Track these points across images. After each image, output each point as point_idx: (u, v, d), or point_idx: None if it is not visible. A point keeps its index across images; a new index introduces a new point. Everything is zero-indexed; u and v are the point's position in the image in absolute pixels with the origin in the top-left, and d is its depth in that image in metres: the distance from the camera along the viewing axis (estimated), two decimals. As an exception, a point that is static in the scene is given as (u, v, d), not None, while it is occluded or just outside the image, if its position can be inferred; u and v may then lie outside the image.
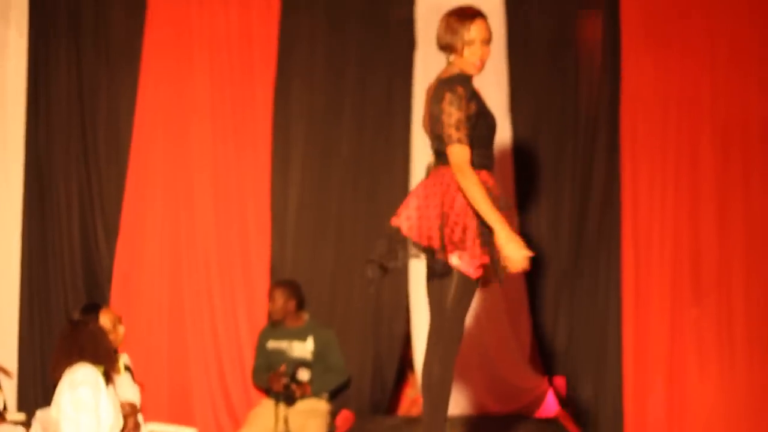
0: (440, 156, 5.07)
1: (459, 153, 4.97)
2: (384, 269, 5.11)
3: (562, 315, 7.82)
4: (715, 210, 7.63)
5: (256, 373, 7.73)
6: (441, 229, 4.98)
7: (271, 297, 7.73)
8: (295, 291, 7.74)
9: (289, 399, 7.51)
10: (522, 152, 7.87)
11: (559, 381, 7.77)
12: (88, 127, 7.99)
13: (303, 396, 7.54)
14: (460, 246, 4.97)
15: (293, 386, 7.51)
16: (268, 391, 7.64)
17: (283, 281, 7.78)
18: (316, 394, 7.59)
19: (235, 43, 8.04)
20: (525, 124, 7.89)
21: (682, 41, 7.69)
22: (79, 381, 5.63)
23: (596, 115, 7.80)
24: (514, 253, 4.92)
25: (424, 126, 5.20)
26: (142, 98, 7.97)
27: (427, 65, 7.81)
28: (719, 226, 7.63)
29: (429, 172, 5.14)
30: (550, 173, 7.90)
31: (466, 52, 5.10)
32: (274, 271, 7.96)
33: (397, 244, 5.06)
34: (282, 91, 8.06)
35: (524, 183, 7.84)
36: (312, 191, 8.06)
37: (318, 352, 7.64)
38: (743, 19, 7.69)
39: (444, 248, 4.98)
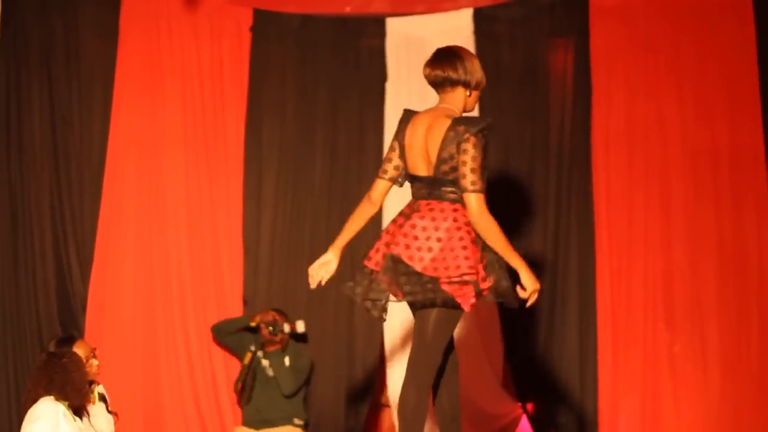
0: (437, 190, 5.11)
1: (481, 201, 5.07)
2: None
3: (537, 341, 7.87)
4: (687, 236, 7.76)
5: (223, 321, 7.80)
6: (463, 263, 5.01)
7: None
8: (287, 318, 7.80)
9: (275, 327, 7.59)
10: (494, 183, 7.90)
11: (533, 407, 7.82)
12: (61, 157, 7.98)
13: (286, 340, 7.64)
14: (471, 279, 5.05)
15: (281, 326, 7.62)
16: (224, 335, 7.75)
17: (279, 309, 7.80)
18: (289, 389, 7.63)
19: (207, 73, 8.08)
20: (496, 155, 7.94)
21: (651, 70, 7.83)
22: (36, 416, 5.62)
23: (568, 144, 7.89)
24: (534, 296, 5.14)
25: (414, 156, 5.19)
26: (114, 128, 7.98)
27: (398, 95, 7.89)
28: (691, 251, 7.75)
29: (419, 205, 5.14)
30: (523, 202, 7.96)
31: (474, 93, 5.29)
32: (246, 300, 7.98)
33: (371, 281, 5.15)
34: (253, 121, 8.10)
35: (496, 213, 7.87)
36: (284, 221, 8.09)
37: (292, 364, 7.69)
38: (707, 48, 7.83)
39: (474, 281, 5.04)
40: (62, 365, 5.79)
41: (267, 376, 7.66)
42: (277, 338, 7.63)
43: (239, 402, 7.68)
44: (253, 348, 7.66)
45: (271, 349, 7.66)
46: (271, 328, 7.60)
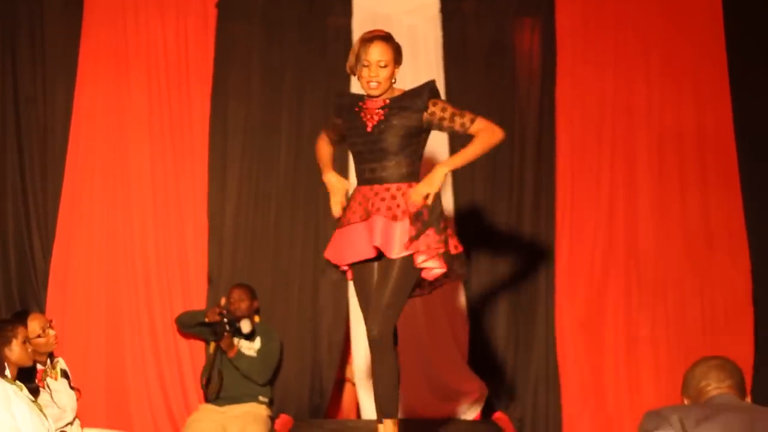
0: None
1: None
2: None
3: (500, 319, 7.86)
4: (652, 216, 7.79)
5: (185, 313, 7.71)
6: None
7: (232, 298, 7.62)
8: (254, 293, 7.70)
9: (217, 334, 7.44)
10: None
11: (495, 386, 7.82)
12: (24, 135, 7.92)
13: (230, 345, 7.48)
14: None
15: (228, 328, 7.45)
16: (185, 327, 7.66)
17: (243, 283, 7.72)
18: (263, 378, 7.54)
19: (172, 51, 8.02)
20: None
21: (617, 49, 7.87)
22: None
23: (533, 123, 7.89)
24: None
25: None
26: (78, 106, 7.92)
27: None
28: (656, 230, 7.77)
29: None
30: (487, 180, 7.95)
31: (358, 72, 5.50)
32: (211, 279, 7.93)
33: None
34: (219, 100, 8.06)
35: (461, 191, 7.90)
36: (249, 202, 8.05)
37: (261, 351, 7.61)
38: (675, 28, 7.88)
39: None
40: None
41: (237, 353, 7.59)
42: (224, 344, 7.51)
43: (205, 397, 7.59)
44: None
45: (232, 354, 7.56)
46: (213, 336, 7.48)
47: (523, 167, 7.90)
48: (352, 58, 5.49)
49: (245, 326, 7.49)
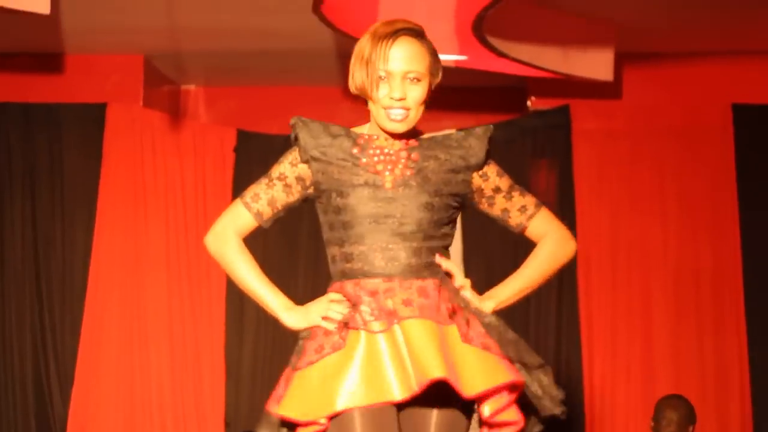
0: None
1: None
2: None
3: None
4: (670, 357, 7.71)
5: None
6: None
7: None
8: None
9: None
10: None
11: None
12: (43, 277, 7.94)
13: None
14: None
15: None
16: None
17: None
18: None
19: (190, 192, 8.09)
20: (478, 274, 7.93)
21: (634, 190, 7.87)
22: None
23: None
24: None
25: None
26: (97, 247, 7.95)
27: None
28: (675, 372, 7.69)
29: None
30: (505, 322, 7.90)
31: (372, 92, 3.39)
32: (228, 423, 7.89)
33: None
34: (237, 242, 8.07)
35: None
36: (267, 341, 8.04)
37: None
38: (692, 169, 7.90)
39: None
40: None
41: None
42: None
43: None
44: None
45: None
46: None
47: (541, 310, 7.87)
48: (358, 70, 3.35)
49: None
